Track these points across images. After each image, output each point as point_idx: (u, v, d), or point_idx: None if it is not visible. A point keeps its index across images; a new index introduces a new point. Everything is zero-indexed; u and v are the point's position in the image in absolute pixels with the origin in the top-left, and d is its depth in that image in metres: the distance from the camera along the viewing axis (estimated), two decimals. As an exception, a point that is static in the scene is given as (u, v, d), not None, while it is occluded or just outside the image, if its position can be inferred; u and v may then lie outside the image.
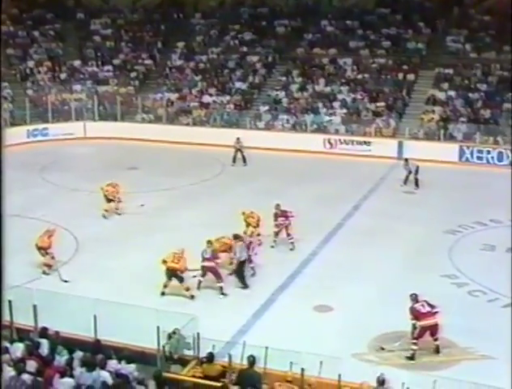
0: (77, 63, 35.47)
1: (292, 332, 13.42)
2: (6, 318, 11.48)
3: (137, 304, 12.33)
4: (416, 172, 23.71)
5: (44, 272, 16.45)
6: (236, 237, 16.35)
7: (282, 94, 32.21)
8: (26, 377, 9.82)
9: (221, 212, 20.39)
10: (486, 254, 17.90)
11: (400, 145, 28.11)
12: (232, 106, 32.21)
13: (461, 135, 28.44)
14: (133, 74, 35.00)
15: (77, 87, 33.85)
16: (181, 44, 36.28)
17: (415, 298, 13.17)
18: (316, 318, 14.41)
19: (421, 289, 13.68)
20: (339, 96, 31.45)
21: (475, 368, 12.28)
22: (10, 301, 10.91)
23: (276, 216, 18.31)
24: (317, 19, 35.62)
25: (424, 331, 12.93)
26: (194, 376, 11.16)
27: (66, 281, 15.97)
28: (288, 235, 18.37)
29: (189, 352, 11.94)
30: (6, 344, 10.66)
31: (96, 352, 10.70)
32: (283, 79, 33.22)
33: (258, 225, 17.96)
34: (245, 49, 35.23)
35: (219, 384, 10.48)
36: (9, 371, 9.80)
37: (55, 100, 32.64)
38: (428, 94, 30.66)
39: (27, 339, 11.38)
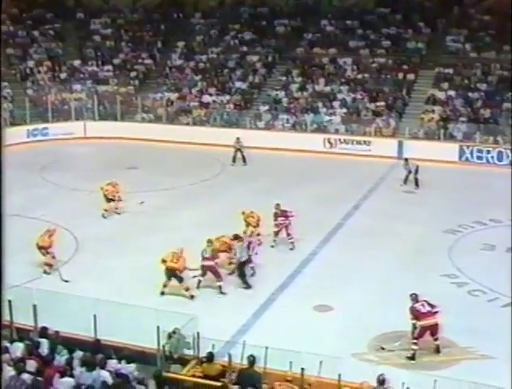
0: (77, 63, 35.44)
1: (292, 332, 13.41)
2: (6, 317, 11.47)
3: (137, 304, 12.33)
4: (416, 171, 23.70)
5: (45, 272, 16.46)
6: (237, 237, 16.33)
7: (282, 94, 32.20)
8: (26, 376, 9.83)
9: (221, 212, 20.39)
10: (486, 254, 17.90)
11: (400, 145, 28.10)
12: (232, 106, 32.19)
13: (461, 135, 28.43)
14: (133, 74, 34.96)
15: (77, 86, 33.81)
16: (180, 43, 36.25)
17: (415, 298, 13.16)
18: (316, 317, 14.40)
19: (421, 289, 13.66)
20: (339, 96, 31.44)
21: (476, 368, 12.28)
22: (10, 301, 10.89)
23: (276, 216, 18.30)
24: (317, 18, 35.61)
25: (425, 330, 12.91)
26: (193, 376, 11.15)
27: (66, 281, 15.98)
28: (288, 235, 18.35)
29: (189, 352, 11.93)
30: (6, 343, 10.65)
31: (95, 352, 10.69)
32: (283, 78, 33.20)
33: (257, 225, 17.93)
34: (245, 48, 35.21)
35: (219, 384, 10.48)
36: (9, 371, 9.80)
37: (55, 100, 32.61)
38: (428, 94, 30.66)
39: (27, 338, 11.38)
